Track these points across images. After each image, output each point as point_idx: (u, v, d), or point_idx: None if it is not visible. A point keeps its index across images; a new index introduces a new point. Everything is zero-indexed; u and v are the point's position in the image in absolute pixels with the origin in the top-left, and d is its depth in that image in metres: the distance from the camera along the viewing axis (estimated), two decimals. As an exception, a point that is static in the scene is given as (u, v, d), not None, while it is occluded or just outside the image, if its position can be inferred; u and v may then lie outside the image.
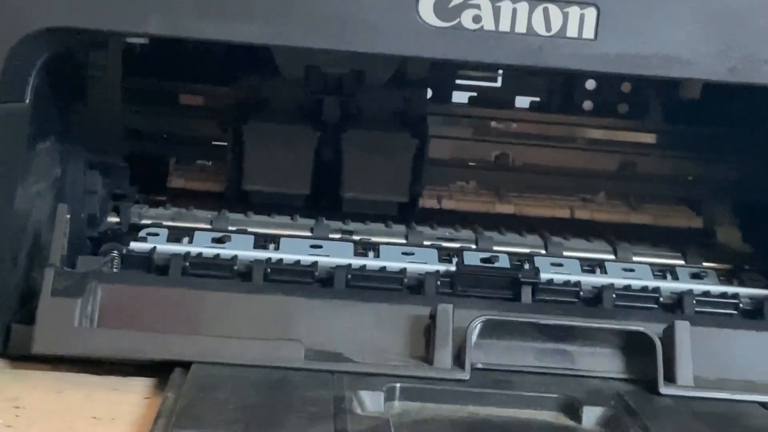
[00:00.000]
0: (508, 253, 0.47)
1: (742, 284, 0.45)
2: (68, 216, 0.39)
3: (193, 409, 0.29)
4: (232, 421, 0.28)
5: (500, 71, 0.51)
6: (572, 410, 0.34)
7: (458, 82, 0.54)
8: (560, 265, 0.45)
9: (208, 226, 0.43)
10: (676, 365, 0.36)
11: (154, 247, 0.41)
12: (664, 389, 0.36)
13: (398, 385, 0.34)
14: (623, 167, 0.49)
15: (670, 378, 0.36)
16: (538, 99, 0.53)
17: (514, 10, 0.33)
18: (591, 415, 0.33)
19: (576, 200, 0.52)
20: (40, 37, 0.33)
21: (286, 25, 0.32)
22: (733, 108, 0.49)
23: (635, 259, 0.46)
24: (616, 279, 0.45)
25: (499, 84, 0.53)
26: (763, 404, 0.36)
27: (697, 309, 0.42)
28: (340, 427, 0.29)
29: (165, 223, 0.44)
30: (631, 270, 0.47)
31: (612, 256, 0.46)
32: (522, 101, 0.54)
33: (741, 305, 0.43)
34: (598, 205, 0.51)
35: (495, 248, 0.46)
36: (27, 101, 0.36)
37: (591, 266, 0.45)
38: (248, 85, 0.48)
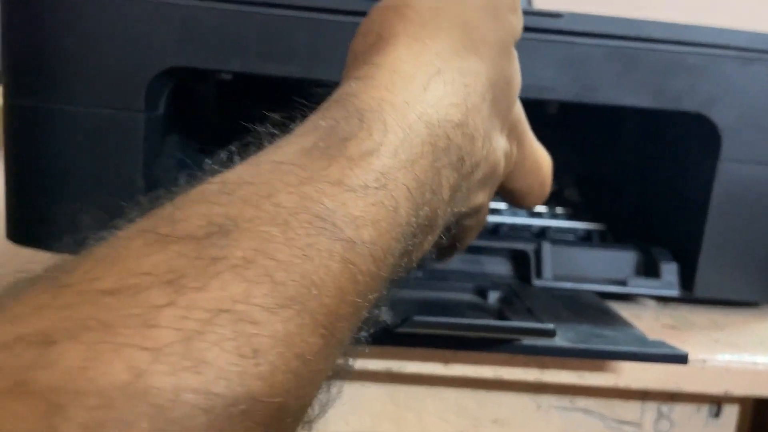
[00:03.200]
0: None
1: (579, 221, 0.57)
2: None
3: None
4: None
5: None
6: (482, 293, 0.45)
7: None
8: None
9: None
10: (542, 268, 0.49)
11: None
12: (535, 282, 0.48)
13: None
14: None
15: (538, 276, 0.49)
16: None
17: None
18: (493, 296, 0.45)
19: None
20: (168, 73, 0.43)
21: (316, 64, 0.43)
22: (577, 120, 0.61)
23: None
24: (507, 219, 0.56)
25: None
26: (594, 292, 0.48)
27: (553, 236, 0.55)
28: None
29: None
30: (515, 214, 0.57)
31: (504, 206, 0.57)
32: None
33: (579, 233, 0.56)
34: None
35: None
36: (161, 111, 0.45)
37: (492, 212, 0.54)
38: (294, 105, 0.58)
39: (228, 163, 0.22)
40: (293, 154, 0.21)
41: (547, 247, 0.49)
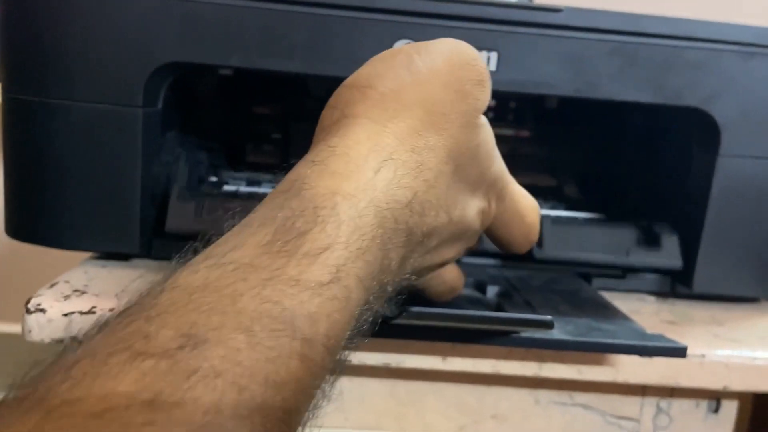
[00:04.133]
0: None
1: (577, 211, 0.56)
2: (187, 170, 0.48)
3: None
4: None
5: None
6: (481, 287, 0.46)
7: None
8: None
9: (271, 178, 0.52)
10: (543, 240, 0.49)
11: (238, 189, 0.50)
12: (536, 253, 0.48)
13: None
14: (510, 151, 0.60)
15: (539, 246, 0.49)
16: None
17: None
18: (492, 290, 0.45)
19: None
20: (166, 68, 0.43)
21: (314, 61, 0.43)
22: (576, 115, 0.61)
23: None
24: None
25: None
26: (596, 264, 0.50)
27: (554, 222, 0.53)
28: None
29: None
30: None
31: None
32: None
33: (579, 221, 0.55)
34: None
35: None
36: (159, 107, 0.45)
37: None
38: (293, 100, 0.57)
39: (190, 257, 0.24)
40: (253, 251, 0.23)
41: (548, 222, 0.49)
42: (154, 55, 0.43)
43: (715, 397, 0.47)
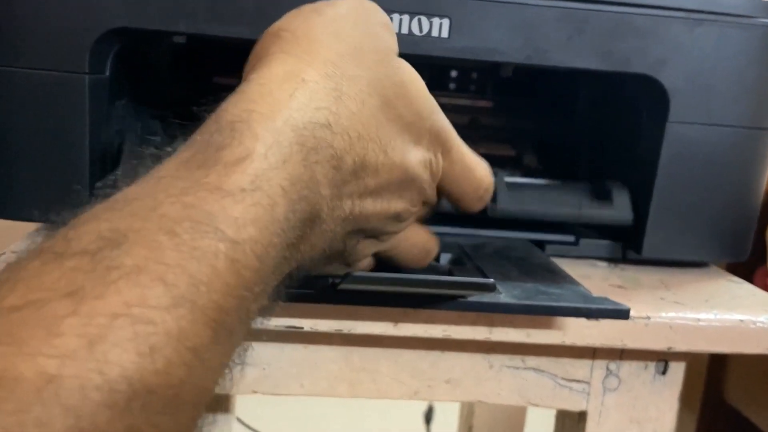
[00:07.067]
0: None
1: (533, 177, 0.55)
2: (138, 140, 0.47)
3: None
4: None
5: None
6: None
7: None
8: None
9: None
10: (498, 196, 0.49)
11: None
12: (490, 209, 0.49)
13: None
14: (471, 121, 0.62)
15: (494, 202, 0.49)
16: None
17: (401, 20, 0.44)
18: (445, 258, 0.46)
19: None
20: (112, 34, 0.42)
21: (263, 26, 0.36)
22: (534, 86, 0.63)
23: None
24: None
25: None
26: (548, 221, 0.51)
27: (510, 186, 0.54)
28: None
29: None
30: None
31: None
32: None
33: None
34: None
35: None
36: (107, 74, 0.45)
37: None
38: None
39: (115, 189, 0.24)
40: (173, 167, 0.24)
41: (501, 180, 0.50)
42: (98, 20, 0.42)
43: (662, 359, 0.49)
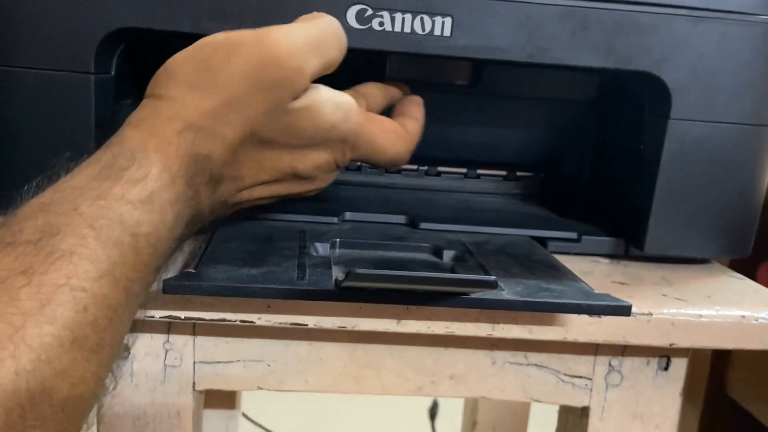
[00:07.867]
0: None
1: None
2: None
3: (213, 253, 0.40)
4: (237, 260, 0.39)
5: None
6: (438, 253, 0.46)
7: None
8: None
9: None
10: None
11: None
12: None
13: (338, 239, 0.46)
14: None
15: None
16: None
17: (404, 19, 0.44)
18: (448, 255, 0.46)
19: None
20: (117, 34, 0.43)
21: (265, 25, 0.38)
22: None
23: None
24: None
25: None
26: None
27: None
28: (301, 261, 0.40)
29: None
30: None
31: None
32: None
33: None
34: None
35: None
36: (112, 74, 0.45)
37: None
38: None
39: (36, 191, 0.32)
40: (84, 179, 0.32)
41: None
42: (104, 20, 0.43)
43: (665, 355, 0.49)
